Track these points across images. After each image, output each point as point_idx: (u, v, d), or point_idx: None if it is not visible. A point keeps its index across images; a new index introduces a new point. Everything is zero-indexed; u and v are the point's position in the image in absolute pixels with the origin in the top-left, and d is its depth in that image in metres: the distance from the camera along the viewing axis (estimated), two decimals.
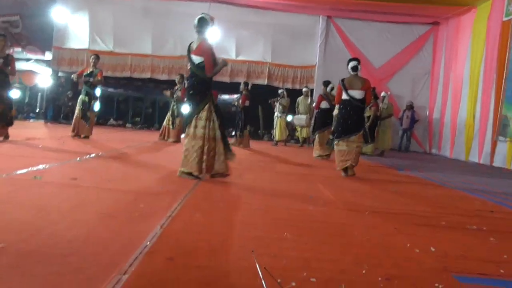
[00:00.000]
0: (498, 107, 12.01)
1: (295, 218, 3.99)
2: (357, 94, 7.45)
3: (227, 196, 4.83)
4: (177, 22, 16.64)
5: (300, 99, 14.59)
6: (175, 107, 12.32)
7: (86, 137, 10.68)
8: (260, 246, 2.97)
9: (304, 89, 14.79)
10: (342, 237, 3.48)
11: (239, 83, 13.30)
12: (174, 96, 12.27)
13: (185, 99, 6.22)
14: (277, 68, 17.38)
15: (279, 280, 2.31)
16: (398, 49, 17.03)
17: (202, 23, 5.69)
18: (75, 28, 17.60)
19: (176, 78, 12.76)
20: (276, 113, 14.98)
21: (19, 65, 16.71)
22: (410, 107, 16.08)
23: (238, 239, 3.14)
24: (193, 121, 5.60)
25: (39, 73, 18.85)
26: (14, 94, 11.13)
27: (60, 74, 18.39)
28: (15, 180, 4.59)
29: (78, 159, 6.79)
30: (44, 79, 18.77)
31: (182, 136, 12.85)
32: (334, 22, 17.15)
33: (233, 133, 13.54)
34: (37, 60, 18.24)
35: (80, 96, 10.83)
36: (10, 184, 4.35)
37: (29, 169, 5.26)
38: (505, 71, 11.86)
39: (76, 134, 10.65)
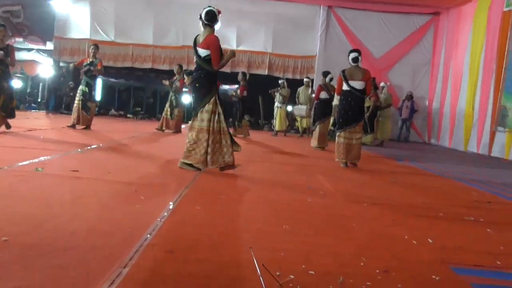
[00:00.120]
0: (497, 97, 12.03)
1: (294, 210, 4.02)
2: (357, 84, 7.46)
3: (227, 188, 4.85)
4: (178, 12, 16.63)
5: (301, 89, 14.60)
6: (173, 97, 12.32)
7: (87, 127, 10.69)
8: (260, 239, 3.00)
9: (305, 79, 14.80)
10: (341, 229, 3.51)
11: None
12: (173, 86, 12.26)
13: (191, 92, 6.22)
14: (277, 58, 17.37)
15: (278, 273, 2.33)
16: (399, 39, 17.00)
17: (210, 16, 5.61)
18: (76, 18, 17.59)
19: (175, 68, 12.76)
20: (276, 103, 14.99)
21: (21, 55, 16.78)
22: (410, 97, 16.09)
23: (238, 232, 3.17)
24: (198, 114, 5.61)
25: (41, 63, 18.85)
26: (16, 84, 11.15)
27: (61, 64, 18.38)
28: (16, 172, 4.61)
29: (79, 150, 6.81)
30: (45, 69, 18.76)
31: (183, 126, 12.92)
32: (335, 12, 17.10)
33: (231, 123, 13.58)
34: (38, 50, 18.22)
35: (80, 87, 10.81)
36: (12, 176, 4.38)
37: (31, 161, 5.29)
38: (504, 62, 11.85)
39: (76, 123, 10.63)
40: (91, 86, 10.77)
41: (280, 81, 15.10)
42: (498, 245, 3.32)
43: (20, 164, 5.05)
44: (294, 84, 15.52)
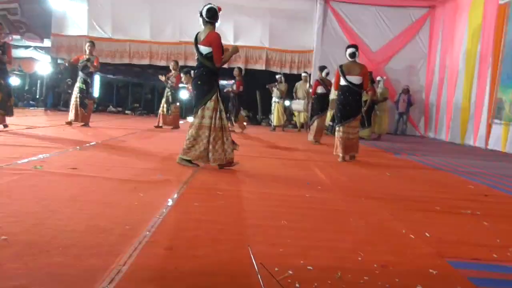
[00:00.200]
0: (493, 90, 12.03)
1: (292, 205, 4.04)
2: (355, 79, 7.50)
3: (225, 184, 4.86)
4: (175, 8, 16.57)
5: (298, 84, 14.63)
6: (169, 93, 12.29)
7: (86, 124, 10.69)
8: (258, 235, 3.02)
9: (303, 74, 14.83)
10: (339, 224, 3.53)
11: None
12: (169, 82, 12.22)
13: (192, 89, 6.23)
14: (275, 53, 17.37)
15: (276, 269, 2.36)
16: (395, 33, 16.99)
17: (212, 13, 5.60)
18: (73, 15, 17.53)
19: (171, 64, 12.73)
20: (274, 98, 14.99)
21: (19, 53, 16.77)
22: (407, 91, 16.11)
23: (236, 228, 3.19)
24: (200, 111, 5.62)
25: (38, 60, 18.82)
26: (14, 81, 11.13)
27: (59, 61, 18.35)
28: (16, 170, 4.62)
29: (78, 147, 6.83)
30: (43, 66, 18.73)
31: (181, 122, 12.93)
32: (331, 6, 17.08)
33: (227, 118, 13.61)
34: (36, 48, 18.20)
35: (77, 84, 10.79)
36: (11, 174, 4.39)
37: (30, 159, 5.30)
38: (500, 54, 11.85)
39: (75, 121, 10.63)
40: (88, 83, 10.76)
41: (277, 76, 15.08)
42: (495, 238, 3.35)
43: (19, 162, 5.07)
44: (292, 79, 15.52)
